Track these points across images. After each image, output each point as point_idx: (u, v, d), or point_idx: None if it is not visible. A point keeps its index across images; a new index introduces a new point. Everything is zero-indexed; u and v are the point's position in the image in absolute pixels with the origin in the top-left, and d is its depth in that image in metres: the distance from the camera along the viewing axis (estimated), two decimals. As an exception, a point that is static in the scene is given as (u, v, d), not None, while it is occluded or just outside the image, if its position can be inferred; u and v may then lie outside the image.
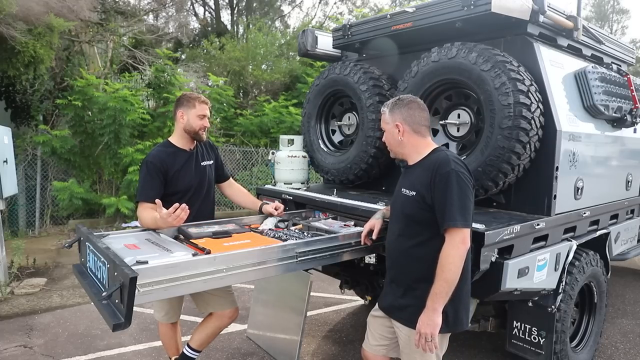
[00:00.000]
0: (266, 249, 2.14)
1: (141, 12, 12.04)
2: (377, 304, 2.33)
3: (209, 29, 17.55)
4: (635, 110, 3.50)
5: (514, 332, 2.96)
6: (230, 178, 3.10)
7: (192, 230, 2.45)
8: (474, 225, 2.30)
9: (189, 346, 2.76)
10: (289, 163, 3.98)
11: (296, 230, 2.74)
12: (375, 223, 2.42)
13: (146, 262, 1.81)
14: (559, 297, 2.86)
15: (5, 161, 5.00)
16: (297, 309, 2.78)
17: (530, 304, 2.88)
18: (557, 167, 2.78)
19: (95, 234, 2.24)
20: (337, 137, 4.05)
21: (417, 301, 1.99)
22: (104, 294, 1.72)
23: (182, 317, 3.00)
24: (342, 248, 2.42)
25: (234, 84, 12.39)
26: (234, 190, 3.08)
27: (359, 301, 4.67)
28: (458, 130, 3.12)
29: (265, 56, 13.17)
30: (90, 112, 7.88)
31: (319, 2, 24.37)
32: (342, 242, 2.42)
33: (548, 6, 2.82)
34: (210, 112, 2.81)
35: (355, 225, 2.84)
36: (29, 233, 7.66)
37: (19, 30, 6.55)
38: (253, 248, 2.12)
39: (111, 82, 8.46)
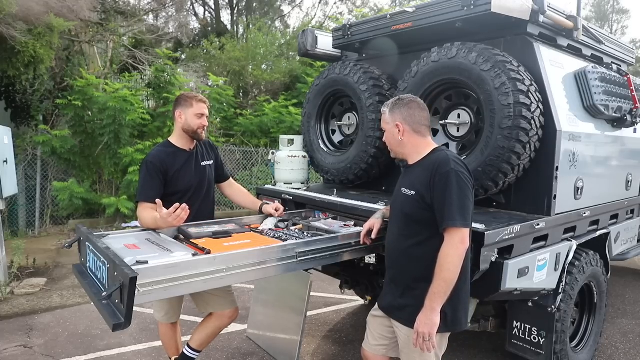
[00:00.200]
0: (266, 249, 2.14)
1: (141, 12, 12.04)
2: (376, 303, 2.33)
3: (209, 29, 17.55)
4: (635, 110, 3.50)
5: (514, 332, 2.96)
6: (231, 178, 3.10)
7: (192, 230, 2.45)
8: (474, 225, 2.30)
9: (189, 346, 2.76)
10: (289, 163, 3.98)
11: (296, 230, 2.74)
12: (374, 223, 2.42)
13: (146, 262, 1.81)
14: (559, 297, 2.86)
15: (5, 161, 5.00)
16: (297, 309, 2.78)
17: (530, 304, 2.88)
18: (557, 167, 2.78)
19: (95, 234, 2.24)
20: (337, 137, 4.05)
21: (417, 301, 1.99)
22: (104, 294, 1.72)
23: (182, 317, 3.00)
24: (342, 248, 2.42)
25: (234, 84, 12.39)
26: (234, 190, 3.08)
27: (359, 301, 4.67)
28: (458, 130, 3.13)
29: (265, 56, 13.17)
30: (90, 112, 7.88)
31: (319, 2, 24.39)
32: (342, 242, 2.42)
33: (548, 6, 2.82)
34: (209, 111, 2.81)
35: (355, 225, 2.84)
36: (29, 233, 7.66)
37: (19, 30, 6.56)
38: (253, 248, 2.12)
39: (111, 82, 8.46)
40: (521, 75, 2.65)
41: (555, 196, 2.80)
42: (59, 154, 7.62)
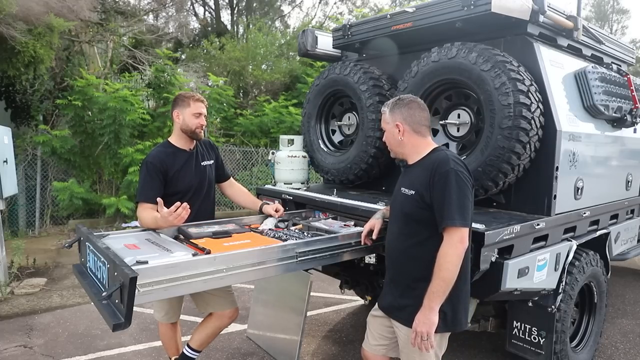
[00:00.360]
0: (266, 249, 2.14)
1: (141, 12, 12.04)
2: (376, 303, 2.33)
3: (209, 29, 17.55)
4: (635, 110, 3.50)
5: (514, 332, 2.96)
6: (231, 178, 3.10)
7: (192, 230, 2.45)
8: (474, 225, 2.30)
9: (189, 346, 2.76)
10: (289, 163, 3.98)
11: (296, 230, 2.74)
12: (375, 223, 2.42)
13: (146, 262, 1.81)
14: (559, 297, 2.86)
15: (5, 161, 5.00)
16: (297, 309, 2.78)
17: (530, 304, 2.88)
18: (557, 167, 2.78)
19: (95, 234, 2.24)
20: (337, 137, 4.05)
21: (416, 301, 1.99)
22: (104, 294, 1.72)
23: (182, 317, 3.00)
24: (342, 248, 2.42)
25: (234, 84, 12.39)
26: (235, 190, 3.08)
27: (359, 301, 4.67)
28: (458, 130, 3.12)
29: (265, 56, 13.17)
30: (90, 112, 7.88)
31: (319, 2, 24.40)
32: (342, 242, 2.42)
33: (548, 6, 2.82)
34: (208, 110, 2.81)
35: (355, 225, 2.84)
36: (29, 233, 7.66)
37: (19, 30, 6.56)
38: (253, 248, 2.12)
39: (111, 82, 8.46)
40: (521, 75, 2.65)
41: (555, 196, 2.80)
42: (59, 154, 7.62)
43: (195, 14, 18.57)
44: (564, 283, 2.90)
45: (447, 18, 2.95)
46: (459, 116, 3.10)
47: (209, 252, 2.04)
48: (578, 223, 3.09)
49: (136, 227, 2.63)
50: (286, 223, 2.92)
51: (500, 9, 2.70)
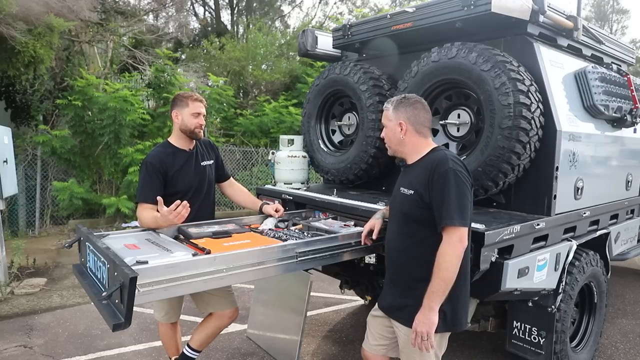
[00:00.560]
0: (266, 249, 2.14)
1: (141, 12, 12.04)
2: (376, 303, 2.33)
3: (209, 29, 17.55)
4: (635, 110, 3.50)
5: (514, 332, 2.96)
6: (231, 178, 3.09)
7: (192, 230, 2.45)
8: (474, 225, 2.30)
9: (189, 346, 2.76)
10: (289, 163, 3.98)
11: (296, 230, 2.74)
12: (375, 223, 2.42)
13: (146, 262, 1.81)
14: (559, 297, 2.86)
15: (5, 161, 5.00)
16: (297, 309, 2.78)
17: (530, 304, 2.88)
18: (557, 167, 2.78)
19: (95, 234, 2.24)
20: (337, 137, 4.05)
21: (416, 301, 1.98)
22: (104, 294, 1.72)
23: (182, 317, 3.00)
24: (342, 248, 2.42)
25: (234, 84, 12.39)
26: (235, 190, 3.08)
27: (359, 301, 4.67)
28: (458, 130, 3.13)
29: (265, 56, 13.17)
30: (90, 112, 7.89)
31: (319, 2, 24.39)
32: (342, 242, 2.42)
33: (548, 6, 2.82)
34: (208, 110, 2.81)
35: (355, 225, 2.84)
36: (29, 233, 7.66)
37: (19, 30, 6.56)
38: (253, 248, 2.12)
39: (111, 82, 8.47)
40: (521, 75, 2.65)
41: (555, 196, 2.80)
42: (59, 154, 7.62)
43: (195, 14, 18.59)
44: (564, 283, 2.90)
45: (447, 18, 2.95)
46: (459, 116, 3.10)
47: (209, 252, 2.04)
48: (578, 223, 3.09)
49: (136, 227, 2.63)
50: (286, 223, 2.92)
51: (500, 9, 2.70)
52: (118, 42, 10.41)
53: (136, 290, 1.64)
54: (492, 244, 2.34)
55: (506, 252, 2.47)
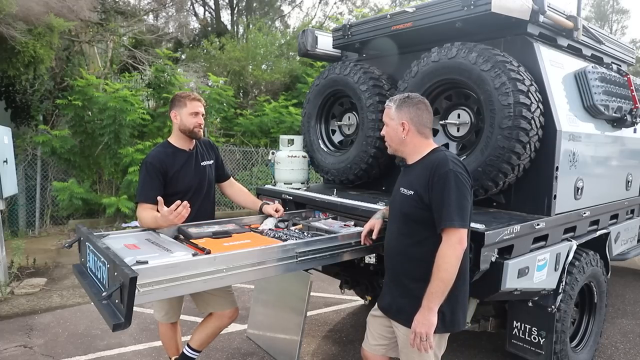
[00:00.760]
0: (266, 249, 2.14)
1: (141, 12, 12.04)
2: (376, 303, 2.33)
3: (209, 29, 17.55)
4: (635, 110, 3.50)
5: (514, 332, 2.96)
6: (231, 178, 3.10)
7: (192, 230, 2.45)
8: (474, 225, 2.30)
9: (189, 346, 2.76)
10: (289, 163, 3.98)
11: (296, 230, 2.74)
12: (375, 223, 2.42)
13: (146, 262, 1.81)
14: (559, 297, 2.86)
15: (5, 161, 5.00)
16: (297, 309, 2.78)
17: (530, 304, 2.88)
18: (557, 167, 2.78)
19: (95, 234, 2.24)
20: (337, 137, 4.05)
21: (415, 301, 1.98)
22: (104, 294, 1.72)
23: (182, 317, 3.00)
24: (342, 248, 2.42)
25: (234, 84, 12.39)
26: (235, 189, 3.08)
27: (359, 301, 4.67)
28: (458, 130, 3.12)
29: (265, 56, 13.18)
30: (90, 112, 7.89)
31: (319, 2, 24.39)
32: (342, 242, 2.42)
33: (548, 6, 2.82)
34: (207, 109, 2.81)
35: (355, 225, 2.84)
36: (29, 233, 7.66)
37: (19, 30, 6.56)
38: (253, 248, 2.12)
39: (111, 82, 8.47)
40: (521, 75, 2.65)
41: (555, 196, 2.80)
42: (59, 154, 7.62)
43: (195, 14, 18.59)
44: (564, 283, 2.90)
45: (447, 18, 2.95)
46: (459, 116, 3.10)
47: (209, 252, 2.04)
48: (578, 223, 3.09)
49: (136, 227, 2.63)
50: (286, 223, 2.92)
51: (500, 9, 2.70)
52: (118, 42, 10.41)
53: (136, 290, 1.64)
54: (492, 244, 2.34)
55: (506, 252, 2.47)
